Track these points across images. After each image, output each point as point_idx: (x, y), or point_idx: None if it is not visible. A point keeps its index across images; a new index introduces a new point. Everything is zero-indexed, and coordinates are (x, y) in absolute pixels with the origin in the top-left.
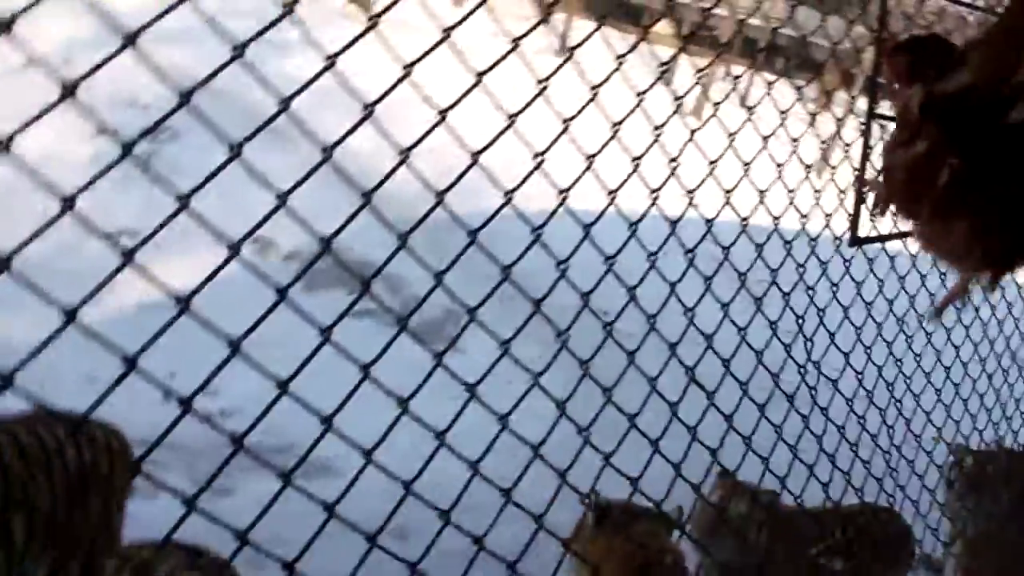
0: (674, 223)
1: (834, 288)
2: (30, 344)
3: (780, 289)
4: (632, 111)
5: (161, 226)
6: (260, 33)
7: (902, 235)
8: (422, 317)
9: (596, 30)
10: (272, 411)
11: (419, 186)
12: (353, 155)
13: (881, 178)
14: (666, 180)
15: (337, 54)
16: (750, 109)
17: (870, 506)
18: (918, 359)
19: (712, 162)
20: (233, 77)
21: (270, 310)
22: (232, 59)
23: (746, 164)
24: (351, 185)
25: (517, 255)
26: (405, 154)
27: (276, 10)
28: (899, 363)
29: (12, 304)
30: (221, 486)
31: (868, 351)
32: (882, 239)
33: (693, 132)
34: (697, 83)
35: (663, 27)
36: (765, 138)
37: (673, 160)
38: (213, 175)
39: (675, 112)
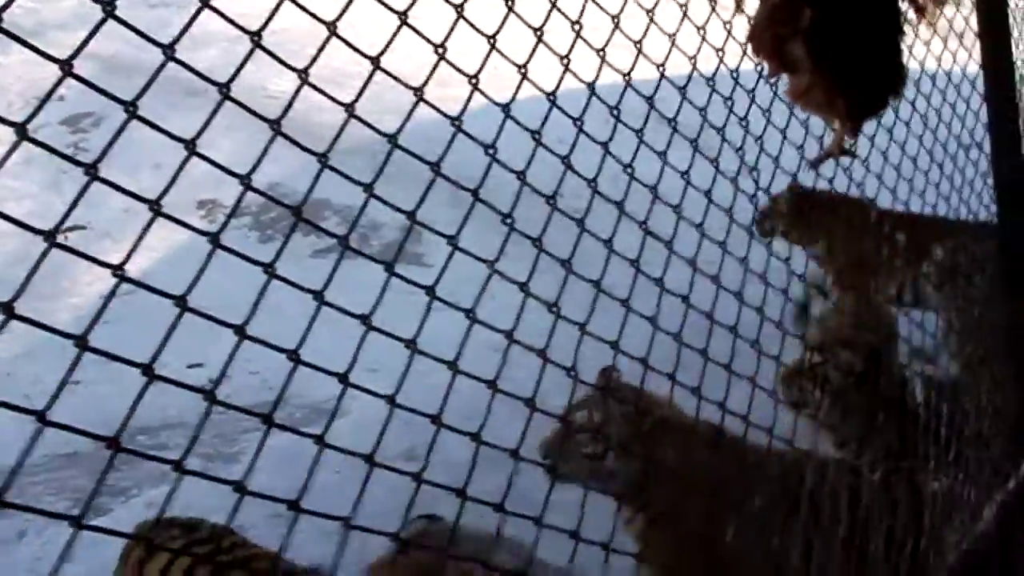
0: (591, 85)
1: (767, 113)
2: None
3: (713, 127)
4: (549, 13)
5: (75, 201)
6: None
7: None
8: (383, 243)
9: None
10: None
11: (342, 115)
12: (281, 103)
13: (750, 25)
14: (572, 44)
15: (260, 30)
16: None
17: None
18: (866, 164)
19: (615, 16)
20: (145, 51)
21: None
22: (167, 59)
23: (649, 11)
24: (262, 119)
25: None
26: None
27: None
28: (848, 171)
29: None
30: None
31: (830, 183)
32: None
33: (616, 17)
34: None
35: None
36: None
37: (576, 23)
38: (114, 139)
39: None
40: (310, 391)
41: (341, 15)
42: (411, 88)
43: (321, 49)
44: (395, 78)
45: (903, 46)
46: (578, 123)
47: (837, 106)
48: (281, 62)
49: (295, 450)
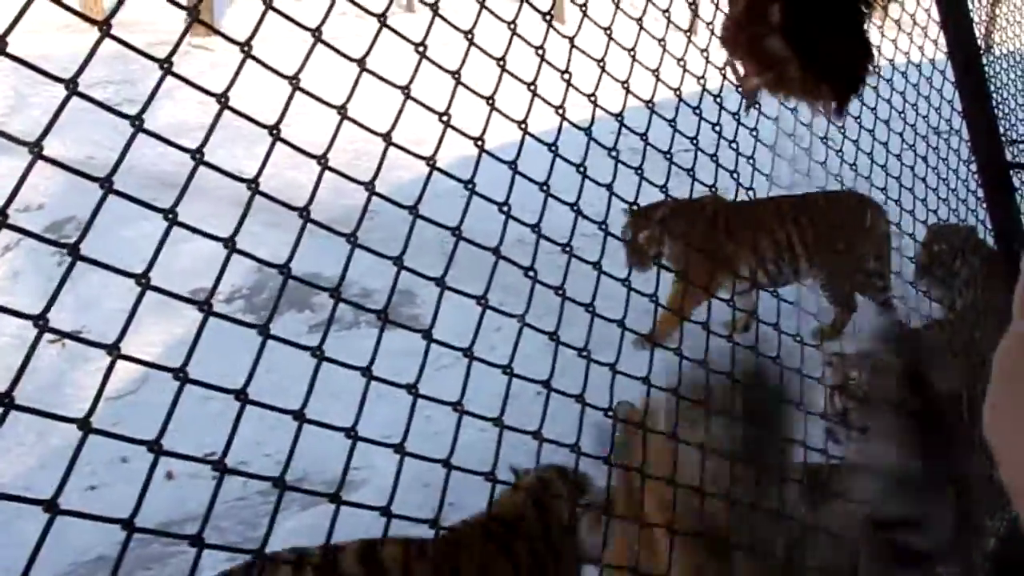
0: (587, 130)
1: (754, 132)
2: None
3: (704, 153)
4: (509, 43)
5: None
6: (151, 97)
7: None
8: (376, 307)
9: None
10: (272, 449)
11: (327, 190)
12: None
13: (722, 31)
14: (566, 93)
15: (226, 91)
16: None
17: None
18: (854, 168)
19: (600, 60)
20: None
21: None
22: (135, 132)
23: (630, 51)
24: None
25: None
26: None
27: (123, 74)
28: (839, 178)
29: None
30: (255, 537)
31: (808, 176)
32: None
33: (572, 39)
34: None
35: None
36: (638, 20)
37: (565, 72)
38: (91, 221)
39: (549, 25)
40: (326, 464)
41: (301, 69)
42: (380, 135)
43: (286, 107)
44: (364, 127)
45: (866, 23)
46: (581, 169)
47: (822, 91)
48: (249, 119)
49: (318, 525)
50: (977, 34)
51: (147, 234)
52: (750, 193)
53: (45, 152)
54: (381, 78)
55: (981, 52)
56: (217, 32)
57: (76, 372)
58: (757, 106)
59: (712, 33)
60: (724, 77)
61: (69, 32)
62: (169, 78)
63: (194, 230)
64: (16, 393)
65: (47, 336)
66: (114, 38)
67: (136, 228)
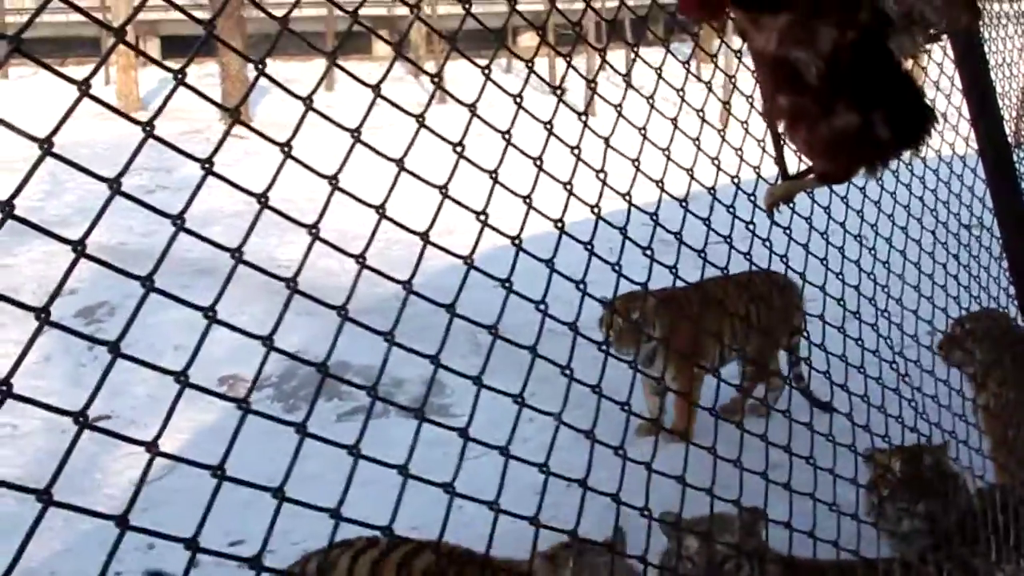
0: (623, 229)
1: (787, 231)
2: None
3: (738, 251)
4: (546, 143)
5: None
6: (193, 196)
7: None
8: (408, 398)
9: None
10: (300, 536)
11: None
12: (291, 270)
13: (763, 109)
14: (601, 192)
15: (266, 191)
16: (650, 100)
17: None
18: (887, 265)
19: (635, 160)
20: (150, 238)
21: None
22: (177, 230)
23: (665, 150)
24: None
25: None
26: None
27: (158, 160)
28: (872, 276)
29: None
30: None
31: (840, 276)
32: (811, 170)
33: (608, 139)
34: (591, 83)
35: (526, 40)
36: (673, 119)
37: (601, 171)
38: (133, 316)
39: (584, 124)
40: None
41: (340, 169)
42: (416, 233)
43: (326, 205)
44: (401, 225)
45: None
46: (588, 247)
47: (863, 155)
48: (287, 218)
49: None
50: (1008, 131)
51: (177, 320)
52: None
53: (76, 234)
54: (419, 178)
55: (1012, 148)
56: (254, 130)
57: (105, 456)
58: (779, 211)
59: (746, 131)
60: (758, 175)
61: (104, 119)
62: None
63: (232, 327)
64: (44, 477)
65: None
66: (156, 138)
67: (166, 313)
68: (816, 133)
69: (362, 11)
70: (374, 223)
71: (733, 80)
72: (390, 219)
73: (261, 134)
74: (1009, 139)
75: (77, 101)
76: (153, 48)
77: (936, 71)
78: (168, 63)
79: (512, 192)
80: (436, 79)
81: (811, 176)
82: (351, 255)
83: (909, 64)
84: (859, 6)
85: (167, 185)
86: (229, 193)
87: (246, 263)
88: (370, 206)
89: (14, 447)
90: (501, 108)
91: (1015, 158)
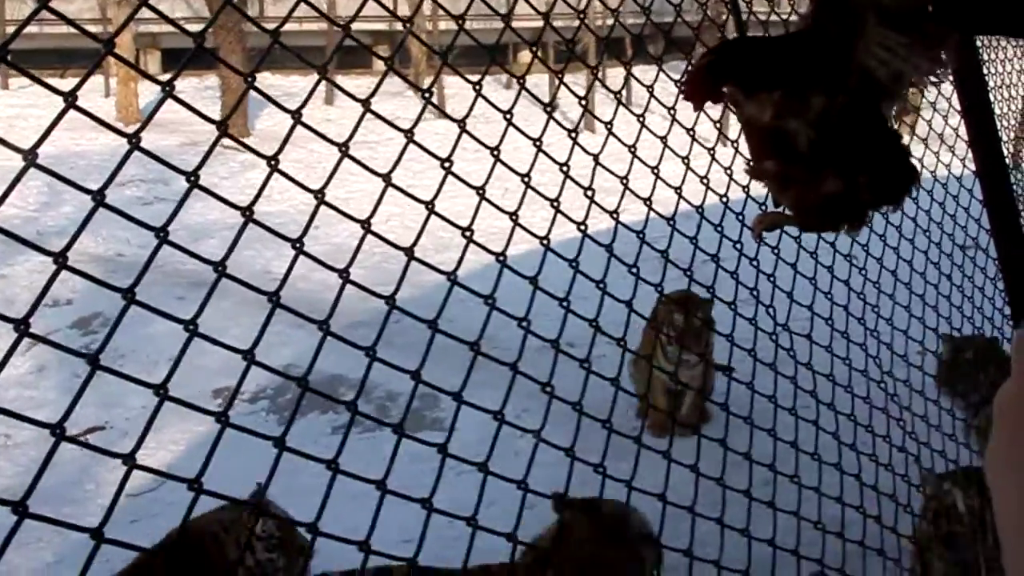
0: (608, 246)
1: (775, 251)
2: None
3: (725, 270)
4: (535, 159)
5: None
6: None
7: None
8: (402, 412)
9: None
10: None
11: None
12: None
13: (750, 169)
14: (588, 209)
15: (251, 205)
16: (640, 117)
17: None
18: (878, 285)
19: (623, 178)
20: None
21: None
22: (160, 243)
23: (654, 168)
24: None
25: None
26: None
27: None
28: (861, 296)
29: None
30: None
31: (829, 296)
32: None
33: (597, 156)
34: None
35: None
36: (663, 138)
37: (588, 188)
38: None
39: (574, 141)
40: (342, 566)
41: (327, 183)
42: (401, 248)
43: (312, 217)
44: (386, 241)
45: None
46: (574, 264)
47: (843, 214)
48: (272, 231)
49: None
50: (1006, 152)
51: (172, 331)
52: (770, 311)
53: (76, 248)
54: (407, 193)
55: (1010, 169)
56: (245, 146)
57: (98, 467)
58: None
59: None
60: (747, 195)
61: (101, 131)
62: (203, 178)
63: (214, 341)
64: (38, 487)
65: (71, 430)
66: (142, 150)
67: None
68: (804, 198)
69: (363, 26)
70: (366, 243)
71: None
72: (375, 234)
73: (248, 147)
74: (1007, 160)
75: (63, 112)
76: (154, 61)
77: (934, 92)
78: (166, 76)
79: (499, 208)
80: (427, 94)
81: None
82: (335, 269)
83: (901, 121)
84: (849, 72)
85: (164, 197)
86: (226, 206)
87: (230, 276)
88: (356, 220)
89: (6, 457)
90: (500, 124)
91: (1013, 179)
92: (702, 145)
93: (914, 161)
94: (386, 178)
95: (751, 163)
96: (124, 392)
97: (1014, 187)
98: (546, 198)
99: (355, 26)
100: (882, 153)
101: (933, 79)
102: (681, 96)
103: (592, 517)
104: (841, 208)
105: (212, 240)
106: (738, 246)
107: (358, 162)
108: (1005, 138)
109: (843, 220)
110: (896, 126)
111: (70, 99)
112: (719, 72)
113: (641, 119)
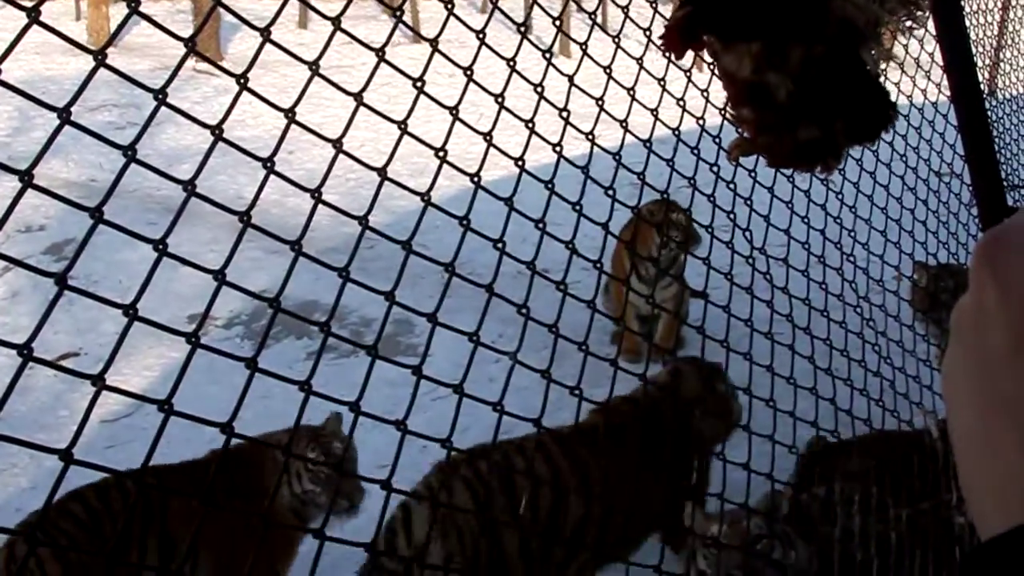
0: (584, 168)
1: (752, 173)
2: None
3: (702, 193)
4: (508, 78)
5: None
6: (144, 128)
7: None
8: (375, 337)
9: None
10: None
11: (330, 218)
12: (258, 209)
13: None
14: (563, 132)
15: (220, 123)
16: (616, 39)
17: None
18: (854, 210)
19: (598, 99)
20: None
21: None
22: (127, 161)
23: (630, 90)
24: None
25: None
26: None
27: (128, 97)
28: (838, 220)
29: None
30: None
31: (806, 220)
32: None
33: (572, 76)
34: (555, 21)
35: None
36: (638, 59)
37: (564, 110)
38: (80, 249)
39: (548, 62)
40: None
41: (297, 102)
42: (374, 169)
43: (282, 137)
44: (359, 161)
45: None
46: (549, 186)
47: (820, 158)
48: (242, 150)
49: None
50: (981, 79)
51: (146, 257)
52: (746, 234)
53: (48, 173)
54: (378, 113)
55: (985, 96)
56: (214, 64)
57: (72, 394)
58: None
59: (713, 73)
60: (724, 117)
61: (73, 55)
62: (176, 103)
63: (184, 261)
64: (10, 414)
65: (45, 356)
66: (109, 67)
67: (135, 250)
68: (779, 145)
69: None
70: (341, 170)
71: None
72: (348, 154)
73: (220, 67)
74: (982, 87)
75: (26, 27)
76: None
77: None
78: None
79: (473, 129)
80: (399, 12)
81: None
82: (307, 190)
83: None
84: (827, 21)
85: (137, 122)
86: (199, 131)
87: (200, 196)
88: (328, 140)
89: None
90: (474, 49)
91: (987, 106)
92: (679, 68)
93: (892, 98)
94: (357, 97)
95: (731, 110)
96: (99, 319)
97: (988, 113)
98: (521, 119)
99: None
100: (861, 97)
101: (911, 23)
102: (660, 47)
103: (700, 365)
104: (817, 154)
105: (184, 165)
106: (714, 169)
107: (329, 81)
108: (980, 64)
109: (817, 163)
110: (880, 68)
111: (33, 15)
112: (697, 22)
113: (616, 40)
